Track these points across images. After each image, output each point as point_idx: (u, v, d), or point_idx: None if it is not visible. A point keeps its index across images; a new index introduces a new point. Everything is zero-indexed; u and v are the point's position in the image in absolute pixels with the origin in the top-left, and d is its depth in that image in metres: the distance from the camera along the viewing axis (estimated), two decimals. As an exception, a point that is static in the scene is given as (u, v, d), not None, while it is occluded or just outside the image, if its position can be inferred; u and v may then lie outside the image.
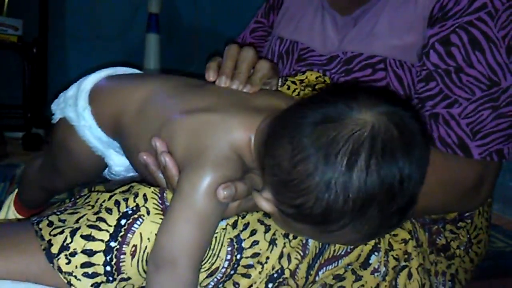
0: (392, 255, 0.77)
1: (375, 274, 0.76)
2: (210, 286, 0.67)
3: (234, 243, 0.67)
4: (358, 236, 0.57)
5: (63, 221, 0.66)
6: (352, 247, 0.75)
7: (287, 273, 0.70)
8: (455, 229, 0.87)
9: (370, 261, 0.75)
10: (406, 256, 0.78)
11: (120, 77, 0.78)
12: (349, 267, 0.75)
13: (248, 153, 0.62)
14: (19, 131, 2.26)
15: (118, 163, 0.78)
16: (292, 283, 0.71)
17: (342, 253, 0.74)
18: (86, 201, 0.69)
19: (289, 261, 0.70)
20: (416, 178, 0.55)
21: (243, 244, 0.67)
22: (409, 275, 0.78)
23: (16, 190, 1.05)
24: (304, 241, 0.71)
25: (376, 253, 0.76)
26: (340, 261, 0.74)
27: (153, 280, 0.60)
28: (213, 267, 0.66)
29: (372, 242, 0.76)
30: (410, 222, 0.82)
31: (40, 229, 0.66)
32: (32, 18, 2.35)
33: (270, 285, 0.69)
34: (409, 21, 0.82)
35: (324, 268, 0.73)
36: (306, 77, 0.88)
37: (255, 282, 0.69)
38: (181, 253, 0.59)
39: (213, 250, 0.66)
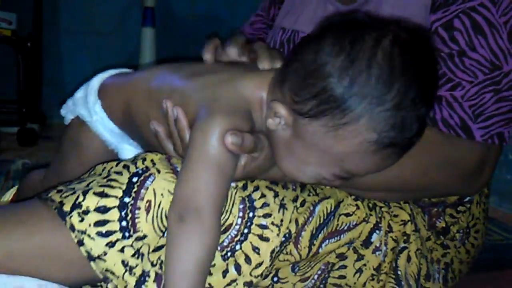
0: (391, 237, 0.78)
1: (377, 253, 0.77)
2: (224, 244, 0.67)
3: (246, 202, 0.68)
4: (373, 136, 0.58)
5: (73, 188, 0.65)
6: (354, 223, 0.75)
7: (293, 237, 0.71)
8: (455, 213, 0.88)
9: (372, 240, 0.77)
10: (405, 237, 0.79)
11: (125, 73, 0.83)
12: (351, 244, 0.76)
13: (259, 110, 0.66)
14: (13, 126, 2.24)
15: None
16: (295, 253, 0.72)
17: (345, 228, 0.75)
18: (92, 172, 0.69)
19: (297, 225, 0.71)
20: (433, 85, 0.61)
21: (255, 204, 0.68)
22: (408, 258, 0.80)
23: (15, 190, 1.04)
24: (311, 208, 0.72)
25: (377, 231, 0.77)
26: (342, 235, 0.75)
27: (178, 231, 0.60)
28: (227, 223, 0.67)
29: (373, 220, 0.77)
30: (408, 207, 0.83)
31: (50, 196, 0.65)
32: (26, 12, 2.33)
33: (277, 248, 0.70)
34: (411, 8, 0.83)
35: (327, 241, 0.74)
36: None
37: (276, 246, 0.69)
38: (204, 199, 0.60)
39: (225, 206, 0.66)
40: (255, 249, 0.68)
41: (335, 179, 0.65)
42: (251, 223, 0.68)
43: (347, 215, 0.76)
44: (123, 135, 0.80)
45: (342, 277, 0.77)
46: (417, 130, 0.60)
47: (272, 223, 0.69)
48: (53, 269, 0.64)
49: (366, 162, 0.61)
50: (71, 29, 2.59)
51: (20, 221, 0.64)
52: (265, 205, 0.69)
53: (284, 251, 0.71)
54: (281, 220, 0.69)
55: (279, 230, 0.69)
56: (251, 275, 0.68)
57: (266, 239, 0.68)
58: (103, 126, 0.79)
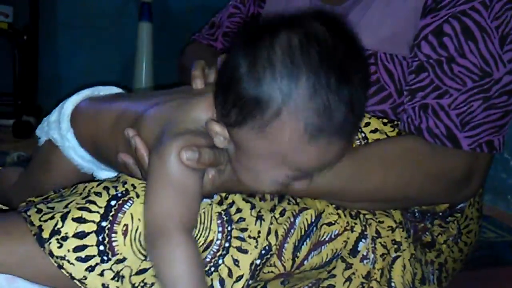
0: (380, 242, 0.77)
1: (364, 261, 0.76)
2: (207, 260, 0.67)
3: (223, 216, 0.68)
4: (300, 126, 0.57)
5: (52, 208, 0.66)
6: (336, 232, 0.74)
7: (274, 250, 0.70)
8: (444, 224, 0.87)
9: (359, 248, 0.76)
10: (395, 246, 0.78)
11: (96, 99, 0.84)
12: (339, 256, 0.75)
13: None
14: (9, 119, 2.25)
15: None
16: (279, 264, 0.71)
17: (326, 238, 0.74)
18: (74, 191, 0.70)
19: (277, 237, 0.70)
20: (352, 65, 0.59)
21: (232, 218, 0.68)
22: (403, 267, 0.78)
23: None
24: (292, 219, 0.71)
25: (363, 240, 0.76)
26: (323, 247, 0.74)
27: (155, 257, 0.61)
28: (208, 240, 0.67)
29: (358, 229, 0.76)
30: (400, 213, 0.82)
31: (29, 216, 0.66)
32: (23, 5, 2.32)
33: (258, 261, 0.69)
34: (400, 12, 0.81)
35: (312, 253, 0.73)
36: None
37: (255, 259, 0.68)
38: (169, 220, 0.60)
39: (204, 223, 0.66)
40: (235, 262, 0.68)
41: (294, 181, 0.64)
42: (231, 236, 0.68)
43: (329, 224, 0.75)
44: (95, 161, 0.83)
45: (331, 286, 0.76)
46: (347, 112, 0.58)
47: (249, 237, 0.68)
48: (38, 281, 0.65)
49: (308, 154, 0.60)
50: (68, 22, 2.58)
51: (5, 232, 0.65)
52: (240, 220, 0.68)
53: (268, 263, 0.71)
54: (259, 232, 0.69)
55: (257, 242, 0.68)
56: None
57: (245, 251, 0.68)
58: (75, 153, 0.82)
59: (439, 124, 0.76)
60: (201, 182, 0.64)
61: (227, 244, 0.68)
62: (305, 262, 0.73)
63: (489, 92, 0.75)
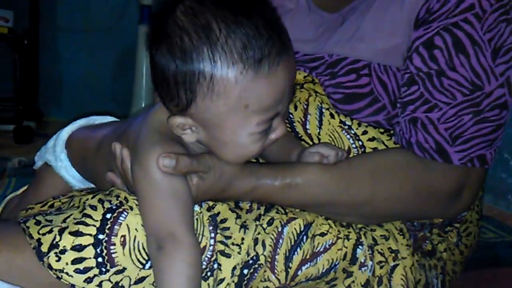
0: (377, 250, 0.77)
1: (362, 269, 0.76)
2: (203, 266, 0.68)
3: (212, 222, 0.69)
4: (239, 66, 0.61)
5: (50, 221, 0.68)
6: (330, 242, 0.74)
7: (262, 259, 0.70)
8: (443, 233, 0.87)
9: (357, 255, 0.76)
10: (393, 254, 0.78)
11: (88, 127, 0.89)
12: (336, 267, 0.75)
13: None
14: (10, 124, 2.26)
15: None
16: (273, 278, 0.71)
17: (321, 249, 0.74)
18: (71, 204, 0.72)
19: (264, 247, 0.71)
20: None
21: (218, 224, 0.70)
22: (404, 275, 0.78)
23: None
24: (279, 229, 0.72)
25: (360, 247, 0.76)
26: (319, 258, 0.74)
27: (161, 259, 0.62)
28: (201, 246, 0.67)
29: (354, 236, 0.76)
30: (400, 222, 0.82)
31: (28, 227, 0.67)
32: (23, 9, 2.33)
33: (245, 271, 0.70)
34: (394, 23, 0.79)
35: (305, 266, 0.73)
36: None
37: (238, 264, 0.69)
38: (171, 223, 0.62)
39: (197, 230, 0.67)
40: (218, 265, 0.68)
41: (269, 125, 0.66)
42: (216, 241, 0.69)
43: (322, 235, 0.75)
44: (84, 181, 0.87)
45: None
46: (267, 31, 0.61)
47: (233, 244, 0.69)
48: None
49: (263, 88, 0.63)
50: (68, 26, 2.59)
51: (4, 243, 0.67)
52: (225, 229, 0.70)
53: (262, 278, 0.71)
54: (242, 239, 0.70)
55: (240, 248, 0.69)
56: None
57: (228, 255, 0.69)
58: (67, 172, 0.87)
59: (428, 138, 0.75)
60: (188, 184, 0.65)
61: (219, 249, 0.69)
62: (299, 273, 0.73)
63: (480, 106, 0.74)
